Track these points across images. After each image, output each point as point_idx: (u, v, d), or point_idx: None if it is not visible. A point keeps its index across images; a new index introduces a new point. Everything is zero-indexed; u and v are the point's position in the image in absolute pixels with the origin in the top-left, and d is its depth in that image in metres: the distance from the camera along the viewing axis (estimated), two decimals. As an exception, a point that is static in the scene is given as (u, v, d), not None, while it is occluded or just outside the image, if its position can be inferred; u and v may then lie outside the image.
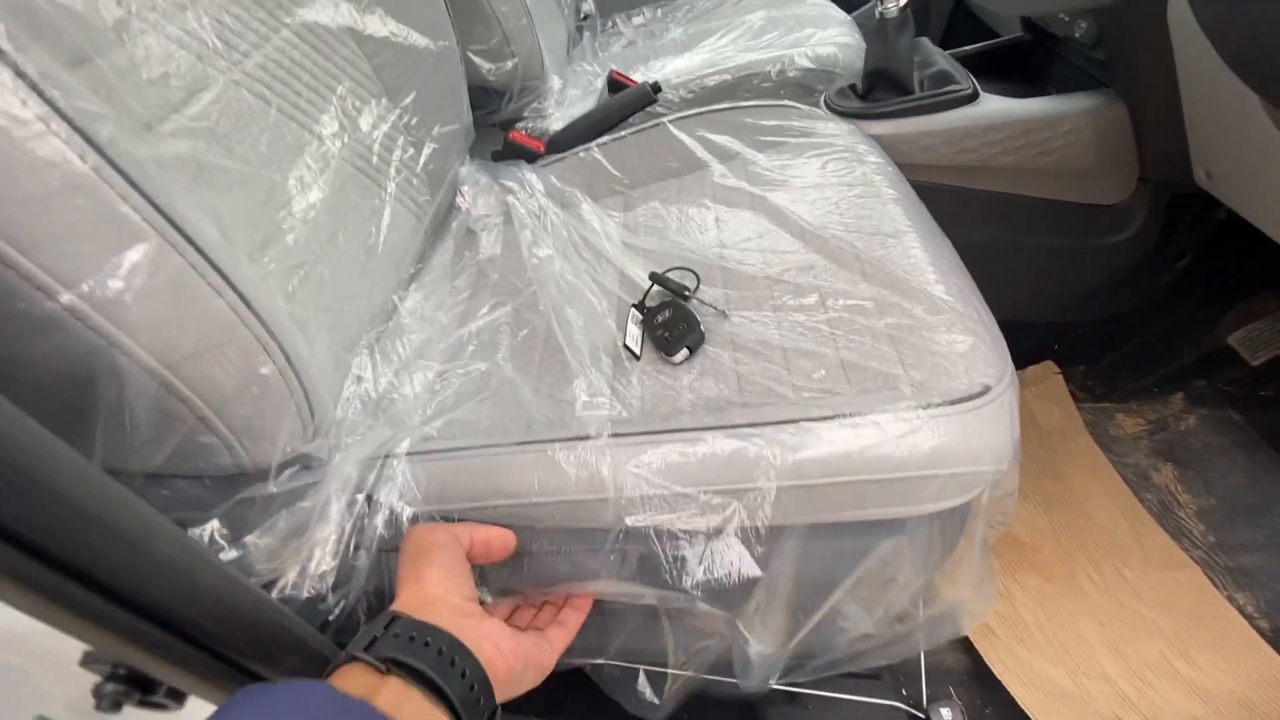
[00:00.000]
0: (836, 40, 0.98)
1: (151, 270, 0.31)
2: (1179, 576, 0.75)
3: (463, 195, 0.75)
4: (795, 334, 0.51)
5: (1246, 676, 0.66)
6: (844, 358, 0.48)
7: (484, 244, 0.70)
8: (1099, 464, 0.87)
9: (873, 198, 0.63)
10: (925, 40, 0.87)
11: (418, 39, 0.67)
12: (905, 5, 0.76)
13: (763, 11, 1.18)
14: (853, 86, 0.85)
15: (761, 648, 0.49)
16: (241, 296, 0.35)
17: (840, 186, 0.65)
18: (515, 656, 0.38)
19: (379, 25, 0.63)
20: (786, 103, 0.77)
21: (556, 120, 1.00)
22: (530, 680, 0.41)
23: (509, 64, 0.91)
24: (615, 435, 0.43)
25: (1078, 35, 0.78)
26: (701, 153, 0.73)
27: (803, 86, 0.95)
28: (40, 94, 0.28)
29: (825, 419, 0.41)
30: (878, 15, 0.78)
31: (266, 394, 0.39)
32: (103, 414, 0.30)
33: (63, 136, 0.29)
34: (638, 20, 1.33)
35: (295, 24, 0.55)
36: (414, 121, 0.67)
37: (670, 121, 0.77)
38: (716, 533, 0.42)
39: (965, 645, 0.68)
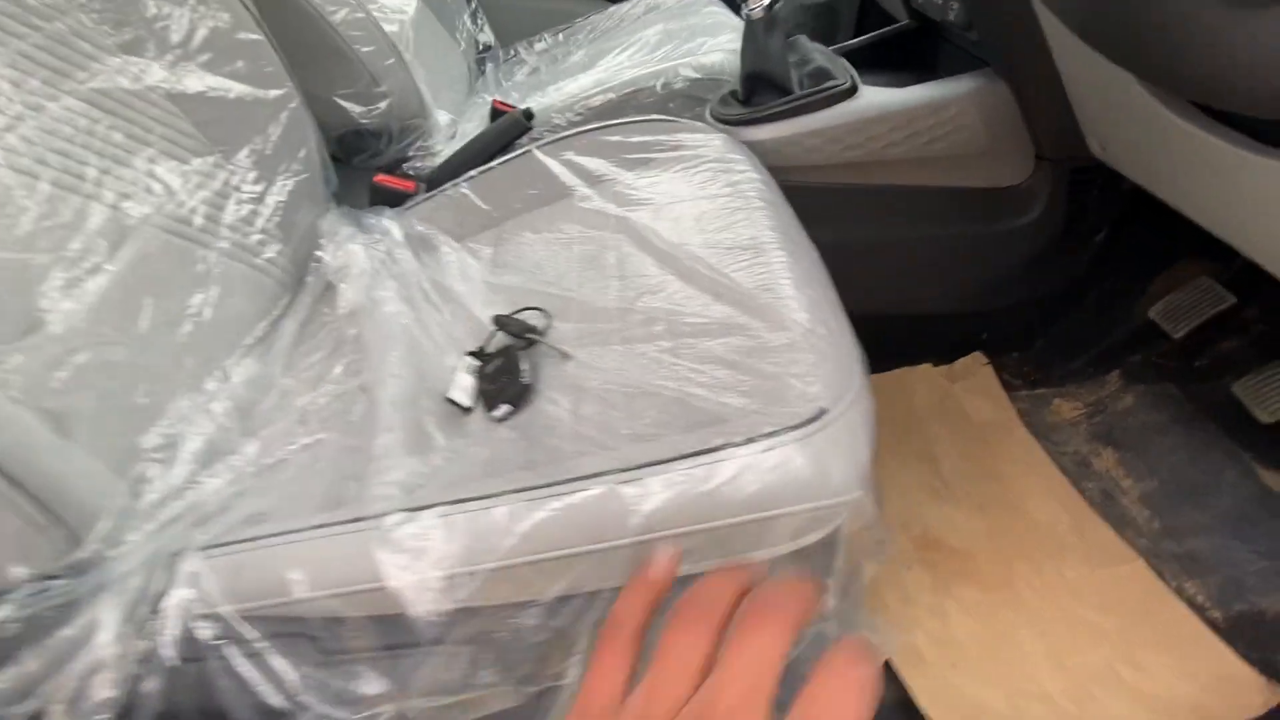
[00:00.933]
0: (725, 47, 0.95)
1: None
2: (1123, 571, 0.71)
3: (322, 247, 0.71)
4: (637, 369, 0.47)
5: (1198, 677, 0.61)
6: (681, 392, 0.43)
7: (343, 298, 0.66)
8: (1036, 457, 0.83)
9: (738, 209, 0.59)
10: (802, 38, 0.84)
11: (246, 90, 0.63)
12: (770, 4, 0.74)
13: (659, 25, 1.15)
14: (734, 93, 0.82)
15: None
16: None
17: (705, 199, 0.62)
18: None
19: (196, 82, 0.59)
20: (655, 117, 0.73)
21: (446, 157, 0.97)
22: None
23: (381, 105, 0.87)
24: (405, 510, 0.38)
25: (951, 18, 0.75)
26: (568, 177, 0.70)
27: (690, 97, 0.92)
28: None
29: (635, 470, 0.37)
30: (745, 17, 0.75)
31: (19, 535, 0.34)
32: None
33: None
34: (540, 46, 1.31)
35: (82, 90, 0.51)
36: (251, 177, 0.63)
37: (537, 148, 0.73)
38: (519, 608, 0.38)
39: (890, 675, 0.62)
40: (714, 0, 1.20)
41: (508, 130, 0.81)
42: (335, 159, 0.98)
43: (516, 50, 1.32)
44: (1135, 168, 0.70)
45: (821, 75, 0.78)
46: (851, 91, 0.75)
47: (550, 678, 0.40)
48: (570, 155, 0.72)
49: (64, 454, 0.39)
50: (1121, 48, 0.43)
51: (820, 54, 0.81)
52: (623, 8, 1.29)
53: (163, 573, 0.41)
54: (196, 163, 0.58)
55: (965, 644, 0.65)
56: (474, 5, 1.29)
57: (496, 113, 0.93)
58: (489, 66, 1.30)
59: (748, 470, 0.36)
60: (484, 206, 0.72)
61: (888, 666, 0.62)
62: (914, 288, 0.90)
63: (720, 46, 0.96)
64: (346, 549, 0.39)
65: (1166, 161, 0.64)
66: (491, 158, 0.83)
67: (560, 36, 1.31)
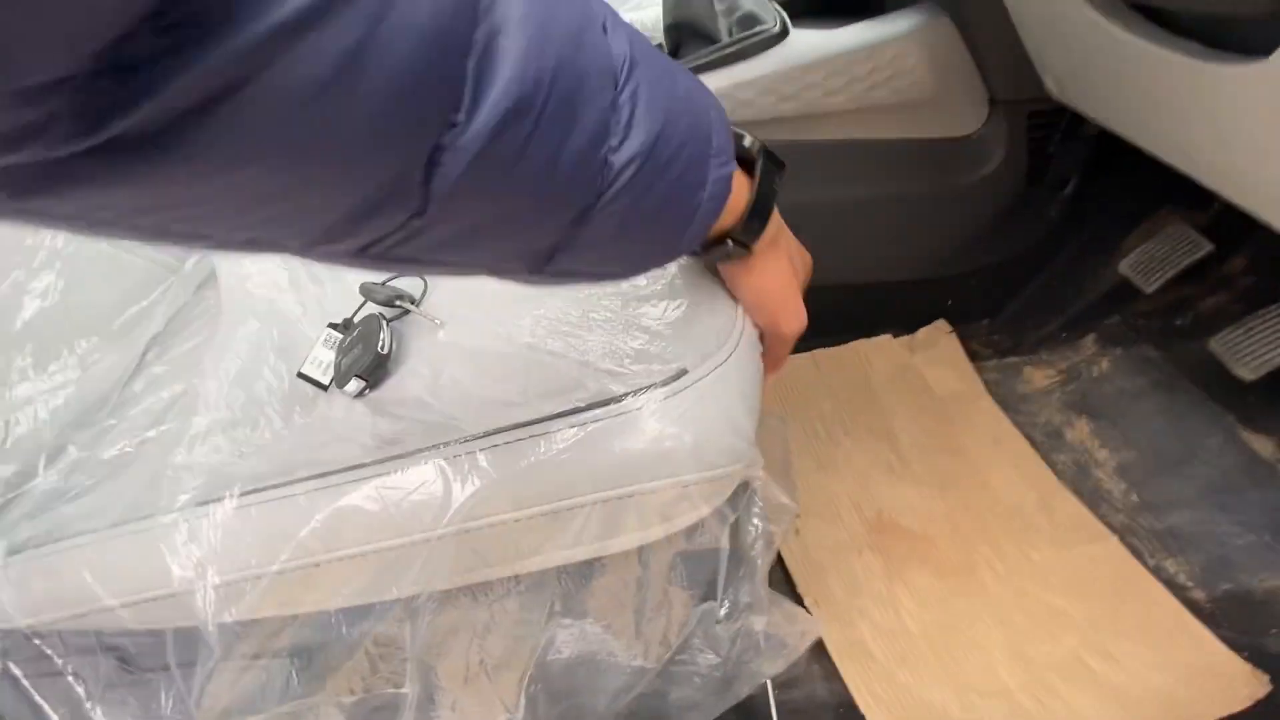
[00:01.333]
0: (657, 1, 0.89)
1: None
2: (1095, 551, 0.64)
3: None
4: (508, 332, 0.41)
5: (1174, 668, 0.55)
6: (545, 352, 0.37)
7: (223, 279, 0.61)
8: (1003, 429, 0.77)
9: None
10: (729, -18, 0.77)
11: None
12: (688, -56, 0.67)
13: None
14: (659, 46, 0.76)
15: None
16: None
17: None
18: None
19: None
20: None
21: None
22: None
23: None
24: (200, 504, 0.33)
25: (887, -51, 0.69)
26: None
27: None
28: None
29: (483, 437, 0.31)
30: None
31: None
32: None
33: None
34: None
35: None
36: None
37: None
38: (366, 610, 0.32)
39: (832, 673, 0.56)
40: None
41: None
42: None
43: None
44: (1093, 103, 0.63)
45: (750, 21, 0.72)
46: (781, 36, 0.69)
47: (384, 687, 0.35)
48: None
49: None
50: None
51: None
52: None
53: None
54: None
55: (916, 636, 0.59)
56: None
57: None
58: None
59: (589, 439, 0.30)
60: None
61: (828, 662, 0.56)
62: (867, 253, 0.84)
63: (648, 3, 0.90)
64: (136, 549, 0.34)
65: (1124, 92, 0.57)
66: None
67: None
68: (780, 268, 0.39)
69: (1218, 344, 0.67)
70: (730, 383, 0.34)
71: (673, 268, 0.39)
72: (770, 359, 0.41)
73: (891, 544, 0.67)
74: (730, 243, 0.34)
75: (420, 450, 0.32)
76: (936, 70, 0.70)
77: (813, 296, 0.90)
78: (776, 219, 0.37)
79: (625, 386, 0.32)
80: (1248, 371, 0.63)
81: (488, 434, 0.32)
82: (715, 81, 0.71)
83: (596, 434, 0.31)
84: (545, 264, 0.27)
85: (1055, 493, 0.70)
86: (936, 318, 0.89)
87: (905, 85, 0.71)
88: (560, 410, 0.32)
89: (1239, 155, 0.46)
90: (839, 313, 0.88)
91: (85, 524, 0.36)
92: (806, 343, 0.88)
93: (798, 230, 0.82)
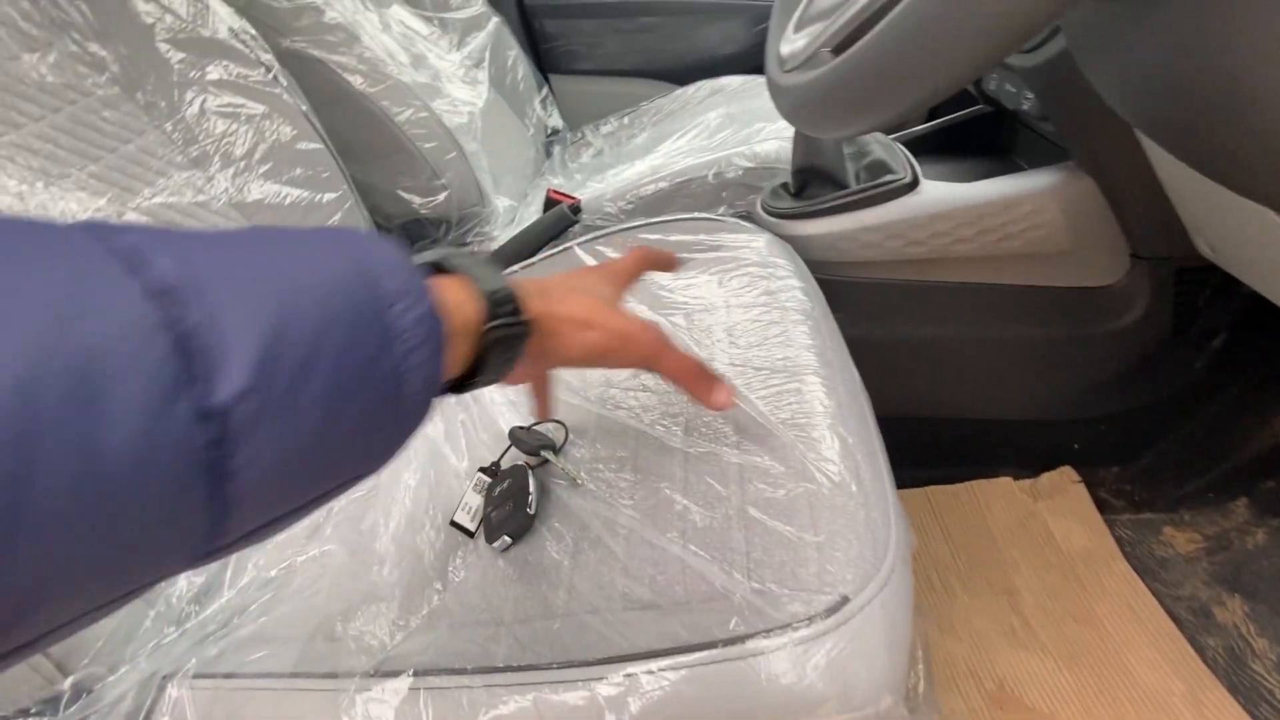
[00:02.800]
0: (782, 134, 0.93)
1: None
2: (1258, 765, 0.57)
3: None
4: (646, 511, 0.42)
5: None
6: (686, 552, 0.39)
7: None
8: (1141, 600, 0.71)
9: (774, 324, 0.55)
10: (860, 129, 0.80)
11: (303, 194, 0.66)
12: (823, 99, 0.71)
13: (721, 109, 1.15)
14: (785, 185, 0.79)
15: None
16: None
17: (739, 309, 0.58)
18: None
19: (257, 190, 0.63)
20: (697, 215, 0.71)
21: (504, 241, 0.99)
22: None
23: (440, 197, 0.90)
24: (376, 675, 0.35)
25: (1025, 107, 0.69)
26: (605, 277, 0.68)
27: (745, 186, 0.89)
28: None
29: (645, 658, 0.32)
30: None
31: None
32: None
33: None
34: (605, 129, 1.34)
35: (147, 205, 0.54)
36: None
37: (578, 245, 0.72)
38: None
39: None
40: (779, 83, 1.19)
41: (555, 224, 0.81)
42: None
43: (583, 133, 1.36)
44: (1255, 275, 0.60)
45: (879, 168, 0.73)
46: (912, 186, 0.70)
47: None
48: (609, 253, 0.70)
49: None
50: (1214, 163, 0.36)
51: (879, 145, 0.76)
52: (688, 90, 1.30)
53: (152, 695, 0.40)
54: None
55: (1046, 842, 0.54)
56: (544, 92, 1.34)
57: (550, 201, 0.94)
58: (555, 149, 1.34)
59: (749, 676, 0.31)
60: (523, 302, 0.72)
61: None
62: (990, 391, 0.82)
63: (777, 134, 0.94)
64: (312, 707, 0.37)
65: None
66: (538, 249, 0.83)
67: (625, 120, 1.34)
68: (577, 306, 0.34)
69: None
70: (889, 610, 0.34)
71: (830, 466, 0.40)
72: (691, 382, 0.37)
73: (1014, 723, 0.62)
74: (494, 344, 0.28)
75: (571, 664, 0.34)
76: (1075, 226, 0.69)
77: (929, 429, 0.88)
78: (531, 283, 0.32)
79: (776, 609, 0.33)
80: None
81: (634, 657, 0.33)
82: (842, 224, 0.73)
83: (749, 670, 0.31)
84: (214, 546, 0.20)
85: (1207, 686, 0.63)
86: (1060, 460, 0.85)
87: (1040, 238, 0.70)
88: (714, 640, 0.33)
89: None
90: (956, 448, 0.85)
91: (267, 665, 0.40)
92: (918, 476, 0.85)
93: (913, 364, 0.81)
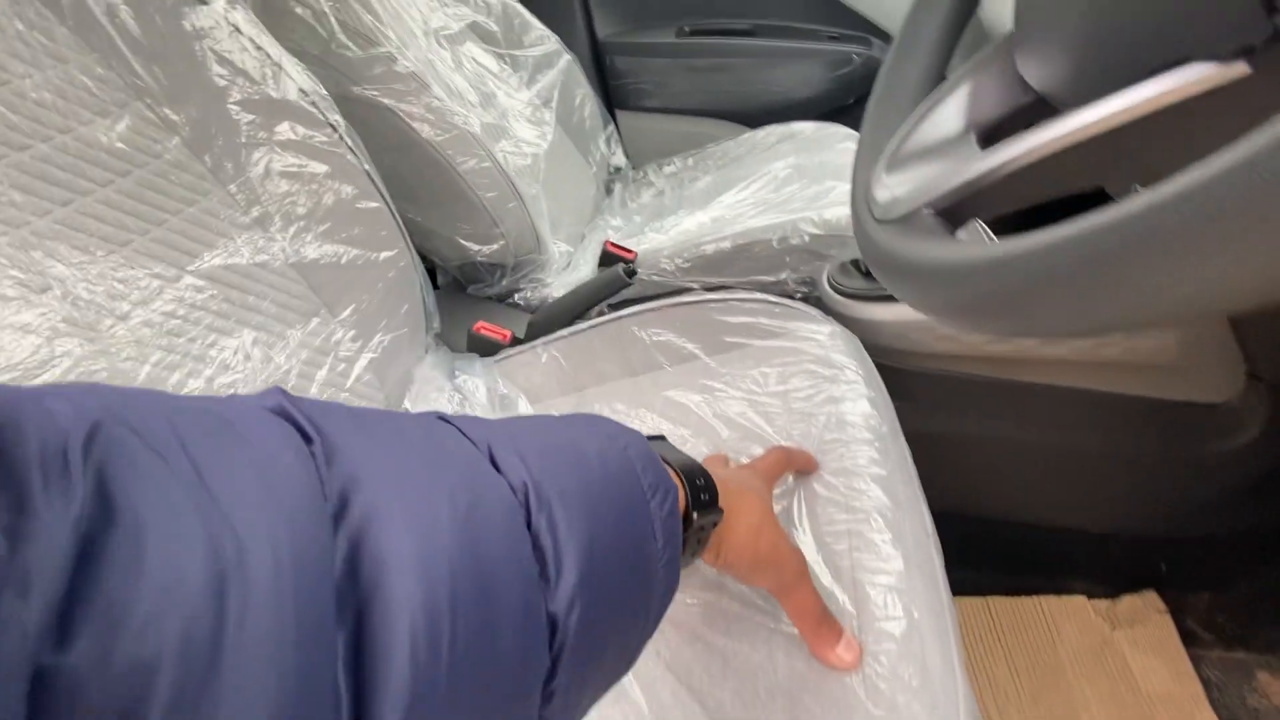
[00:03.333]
0: (853, 199, 0.88)
1: None
2: None
3: (407, 398, 0.71)
4: (732, 679, 0.39)
5: None
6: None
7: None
8: (1232, 762, 0.63)
9: (839, 442, 0.51)
10: (942, 208, 0.74)
11: (360, 253, 0.65)
12: (904, 180, 0.66)
13: (791, 158, 1.11)
14: (856, 262, 0.74)
15: None
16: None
17: (801, 417, 0.54)
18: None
19: (314, 250, 0.62)
20: (761, 297, 0.67)
21: (557, 288, 0.97)
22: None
23: (497, 245, 0.89)
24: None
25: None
26: (655, 354, 0.65)
27: (810, 253, 0.85)
28: None
29: None
30: (875, 190, 0.67)
31: None
32: None
33: None
34: (669, 169, 1.31)
35: (206, 268, 0.54)
36: (350, 335, 0.65)
37: (633, 321, 0.69)
38: None
39: None
40: (851, 136, 1.14)
41: (605, 287, 0.78)
42: (456, 283, 1.03)
43: (645, 172, 1.34)
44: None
45: (963, 255, 0.68)
46: (999, 280, 0.64)
47: None
48: (663, 329, 0.67)
49: None
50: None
51: (964, 229, 0.71)
52: (757, 134, 1.26)
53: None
54: (300, 325, 0.61)
55: None
56: (610, 129, 1.32)
57: (606, 255, 0.91)
58: (616, 187, 1.32)
59: None
60: (568, 370, 0.69)
61: None
62: (1070, 498, 0.74)
63: (848, 196, 0.89)
64: None
65: None
66: (588, 309, 0.81)
67: (690, 160, 1.31)
68: (752, 510, 0.34)
69: None
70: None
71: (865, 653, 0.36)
72: (813, 628, 0.35)
73: None
74: (698, 528, 0.29)
75: None
76: (1185, 339, 0.62)
77: (995, 531, 0.81)
78: (719, 475, 0.33)
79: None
80: None
81: None
82: (915, 312, 0.68)
83: None
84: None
85: None
86: (1144, 582, 0.77)
87: (1145, 347, 0.63)
88: None
89: None
90: (1026, 555, 0.78)
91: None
92: (980, 583, 0.79)
93: (987, 464, 0.74)
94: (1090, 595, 0.76)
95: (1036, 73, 0.30)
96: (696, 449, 0.54)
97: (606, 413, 0.62)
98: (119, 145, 0.50)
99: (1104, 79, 0.25)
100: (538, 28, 1.20)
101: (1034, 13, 0.30)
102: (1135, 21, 0.23)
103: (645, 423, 0.60)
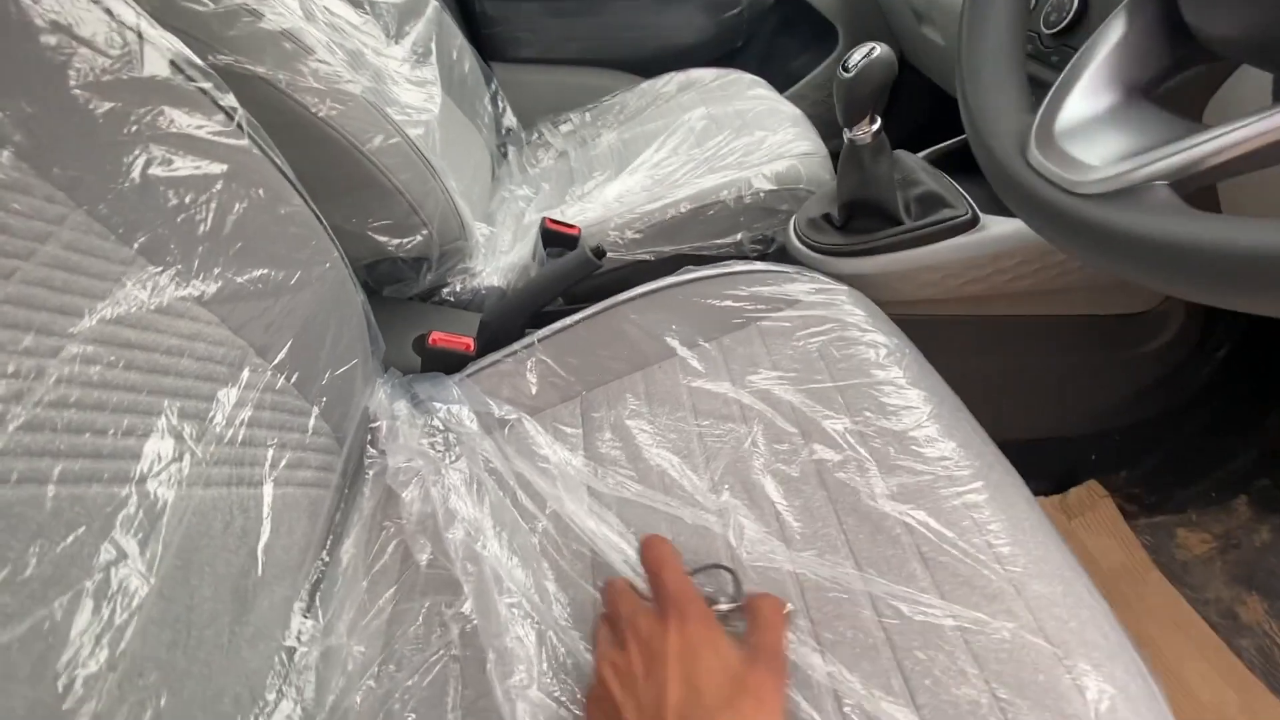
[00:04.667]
0: (795, 151, 0.86)
1: None
2: (1318, 770, 0.62)
3: (374, 438, 0.59)
4: (855, 689, 0.36)
5: None
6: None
7: (406, 506, 0.55)
8: (1180, 610, 0.74)
9: (894, 406, 0.49)
10: (905, 154, 0.75)
11: (285, 274, 0.51)
12: (878, 130, 0.64)
13: (701, 109, 1.06)
14: (826, 216, 0.73)
15: None
16: None
17: (850, 392, 0.52)
18: None
19: (227, 279, 0.47)
20: (759, 266, 0.63)
21: (490, 275, 0.86)
22: None
23: (419, 236, 0.76)
24: None
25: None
26: (668, 341, 0.59)
27: (765, 209, 0.82)
28: None
29: None
30: (848, 141, 0.66)
31: None
32: None
33: None
34: (565, 127, 1.21)
35: (90, 328, 0.39)
36: (296, 377, 0.51)
37: (625, 304, 0.63)
38: None
39: None
40: (758, 82, 1.11)
41: (573, 272, 0.70)
42: (366, 288, 0.87)
43: (540, 132, 1.22)
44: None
45: (932, 200, 0.69)
46: (973, 223, 0.66)
47: None
48: (663, 313, 0.61)
49: None
50: None
51: (927, 174, 0.72)
52: (655, 84, 1.19)
53: None
54: (229, 383, 0.46)
55: None
56: (494, 86, 1.18)
57: (549, 234, 0.82)
58: (511, 151, 1.19)
59: None
60: (563, 374, 0.61)
61: None
62: (1028, 414, 0.82)
63: (789, 149, 0.87)
64: None
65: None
66: (556, 296, 0.72)
67: (587, 116, 1.21)
68: None
69: None
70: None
71: (1039, 623, 0.35)
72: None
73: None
74: None
75: None
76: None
77: None
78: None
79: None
80: None
81: None
82: (898, 262, 0.68)
83: None
84: None
85: (1256, 694, 0.67)
86: (1077, 472, 0.87)
87: (1090, 272, 0.69)
88: None
89: None
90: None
91: None
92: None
93: (960, 395, 0.78)
94: (1046, 494, 0.85)
95: (1217, 21, 0.28)
96: (754, 441, 0.50)
97: (621, 410, 0.56)
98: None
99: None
100: (393, -32, 1.01)
101: None
102: None
103: (676, 418, 0.54)
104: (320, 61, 0.65)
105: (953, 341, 0.74)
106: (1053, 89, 0.32)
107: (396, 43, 0.97)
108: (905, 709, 0.34)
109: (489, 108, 1.16)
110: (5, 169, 0.37)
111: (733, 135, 0.96)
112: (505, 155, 1.19)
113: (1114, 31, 0.31)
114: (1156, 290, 0.29)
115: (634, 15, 1.25)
